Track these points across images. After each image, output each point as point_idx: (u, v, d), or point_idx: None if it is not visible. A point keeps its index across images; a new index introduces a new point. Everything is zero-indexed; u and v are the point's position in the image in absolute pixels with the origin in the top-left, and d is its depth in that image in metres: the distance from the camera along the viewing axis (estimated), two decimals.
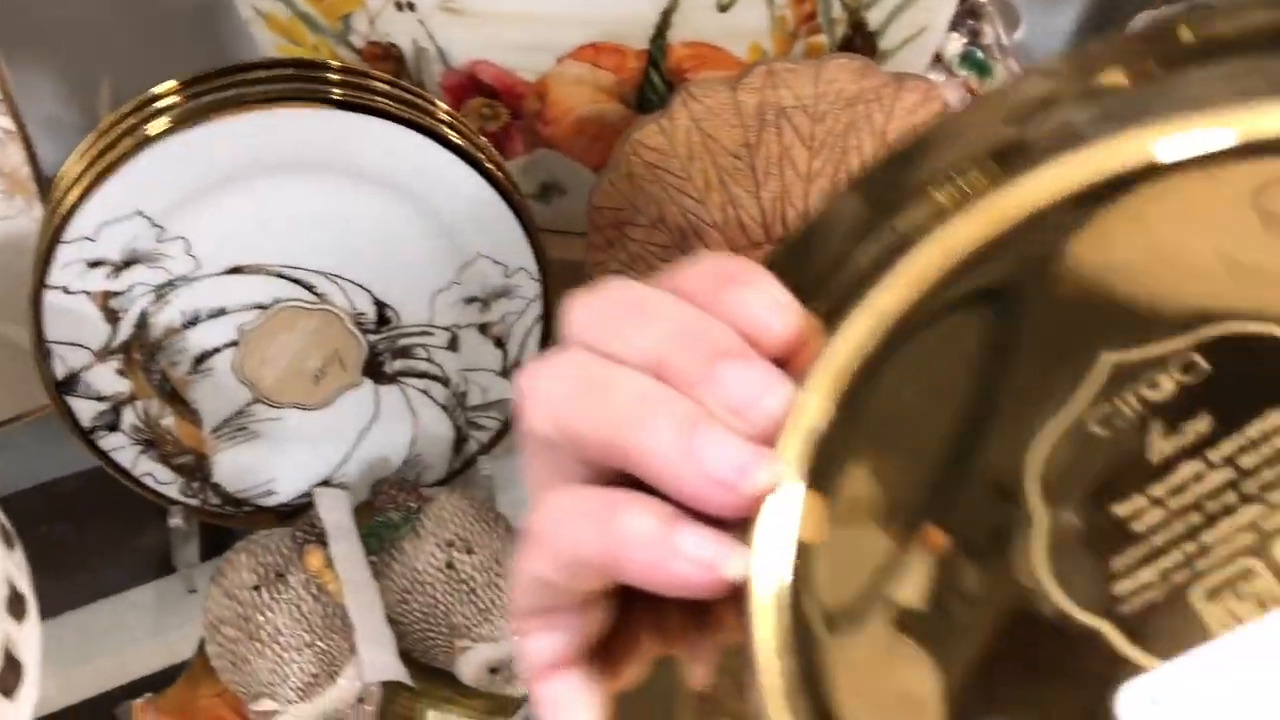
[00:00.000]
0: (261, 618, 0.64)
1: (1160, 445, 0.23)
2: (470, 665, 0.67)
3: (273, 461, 0.71)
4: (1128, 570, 0.22)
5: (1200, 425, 0.23)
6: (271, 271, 0.66)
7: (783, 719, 0.23)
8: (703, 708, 0.26)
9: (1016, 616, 0.23)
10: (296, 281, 0.67)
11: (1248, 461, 0.22)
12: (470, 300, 0.69)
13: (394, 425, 0.73)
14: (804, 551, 0.25)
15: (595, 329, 0.26)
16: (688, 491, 0.24)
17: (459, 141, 0.63)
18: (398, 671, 0.65)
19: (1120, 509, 0.23)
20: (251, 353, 0.68)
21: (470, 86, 0.70)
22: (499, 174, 0.64)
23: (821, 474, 0.25)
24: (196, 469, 0.70)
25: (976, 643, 0.23)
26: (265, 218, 0.64)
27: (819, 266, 0.28)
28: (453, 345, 0.71)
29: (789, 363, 0.27)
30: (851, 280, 0.27)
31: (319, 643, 0.64)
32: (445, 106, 0.66)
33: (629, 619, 0.28)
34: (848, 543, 0.25)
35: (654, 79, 0.69)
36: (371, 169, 0.63)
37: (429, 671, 0.68)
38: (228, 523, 0.72)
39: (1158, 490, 0.23)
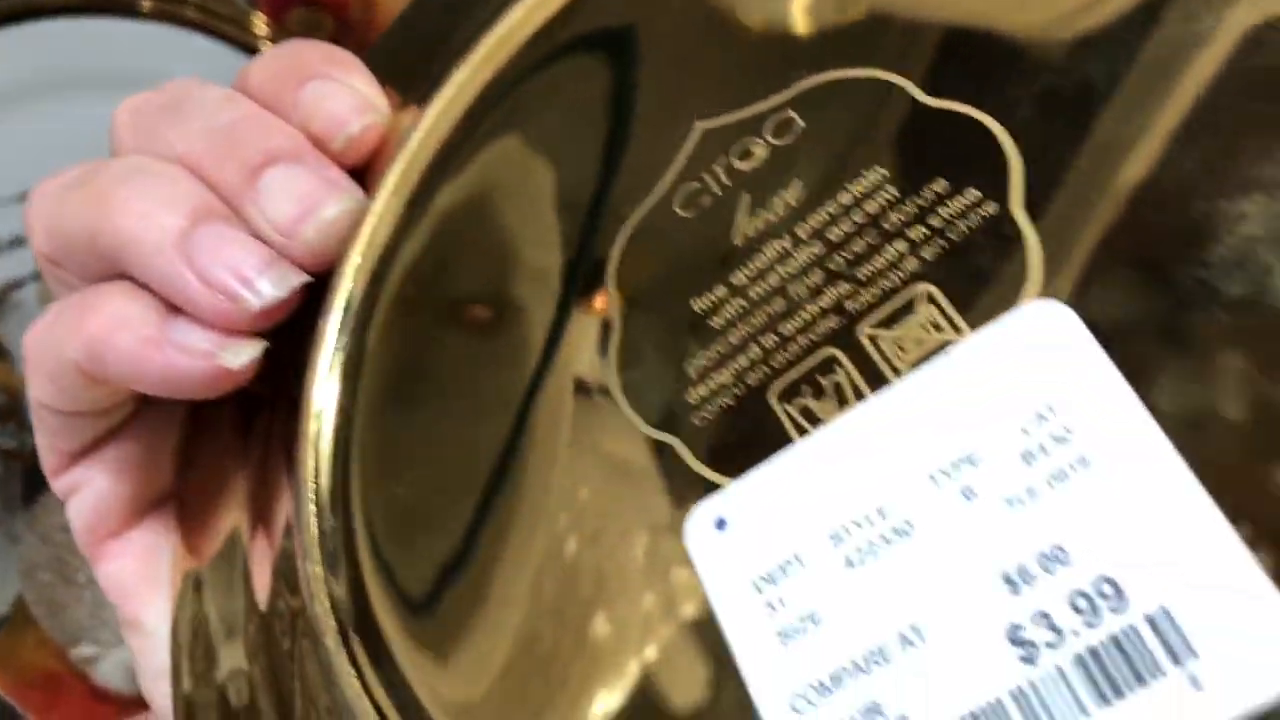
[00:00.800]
0: (77, 560, 0.60)
1: (746, 224, 0.19)
2: None
3: None
4: (702, 374, 0.18)
5: (790, 196, 0.19)
6: None
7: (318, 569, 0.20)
8: (266, 585, 0.22)
9: (595, 436, 0.19)
10: None
11: (837, 232, 0.18)
12: None
13: None
14: (354, 373, 0.21)
15: (131, 134, 0.22)
16: (180, 292, 0.21)
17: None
18: None
19: (699, 303, 0.19)
20: None
21: None
22: None
23: (387, 283, 0.21)
24: (11, 410, 0.65)
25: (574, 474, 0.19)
26: (64, 138, 0.59)
27: (426, 43, 0.24)
28: None
29: (376, 161, 0.23)
30: (451, 57, 0.23)
31: None
32: (263, 19, 0.61)
33: (207, 485, 0.24)
34: (417, 359, 0.21)
35: None
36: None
37: None
38: None
39: (739, 277, 0.19)
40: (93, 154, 0.63)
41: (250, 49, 0.59)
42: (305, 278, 0.22)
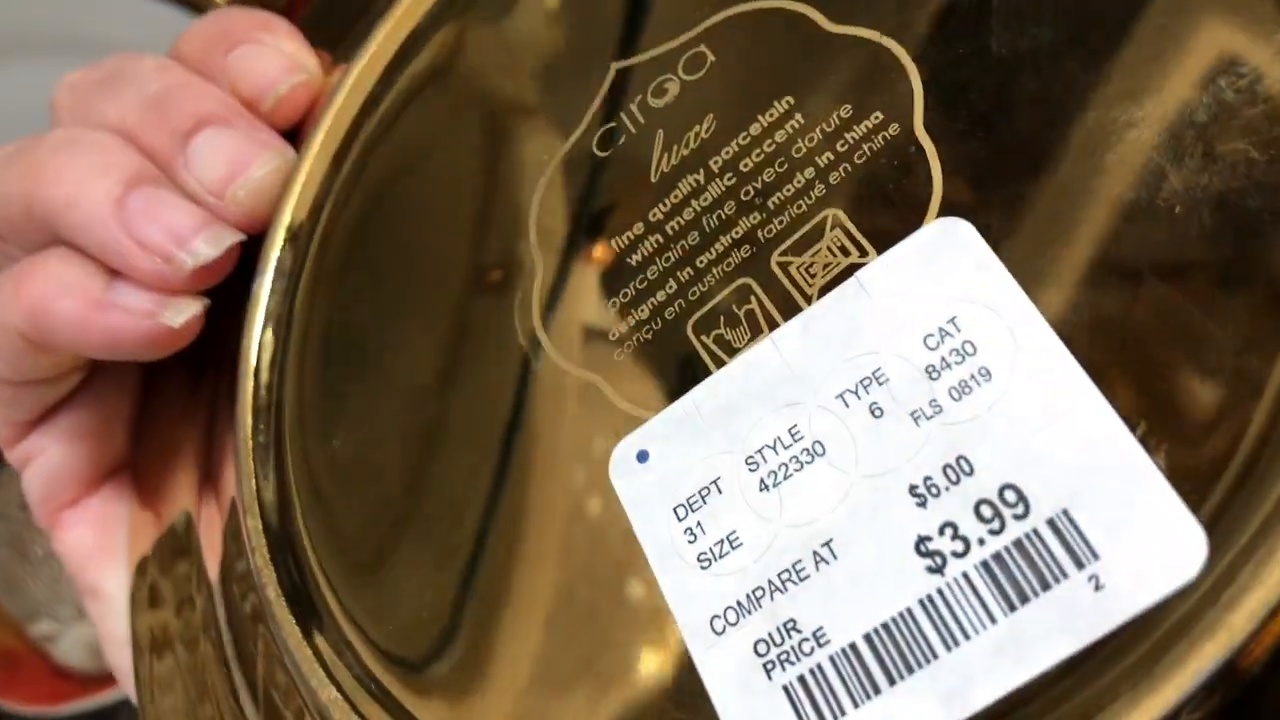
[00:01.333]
0: (34, 534, 0.58)
1: (662, 160, 0.19)
2: None
3: None
4: (623, 311, 0.19)
5: (703, 130, 0.19)
6: None
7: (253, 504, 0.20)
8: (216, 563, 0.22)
9: (521, 379, 0.19)
10: None
11: (748, 163, 0.18)
12: None
13: None
14: (287, 332, 0.21)
15: (68, 107, 0.23)
16: (117, 256, 0.21)
17: None
18: None
19: (618, 241, 0.19)
20: None
21: None
22: None
23: (315, 240, 0.22)
24: None
25: (493, 415, 0.20)
26: (20, 104, 0.58)
27: (355, 3, 0.24)
28: None
29: (309, 120, 0.23)
30: (376, 15, 0.23)
31: None
32: None
33: (161, 450, 0.24)
34: (347, 314, 0.21)
35: None
36: (128, 46, 0.57)
37: None
38: None
39: (656, 214, 0.19)
40: (37, 121, 0.61)
41: (202, 11, 0.57)
42: (239, 236, 0.22)
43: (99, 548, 0.24)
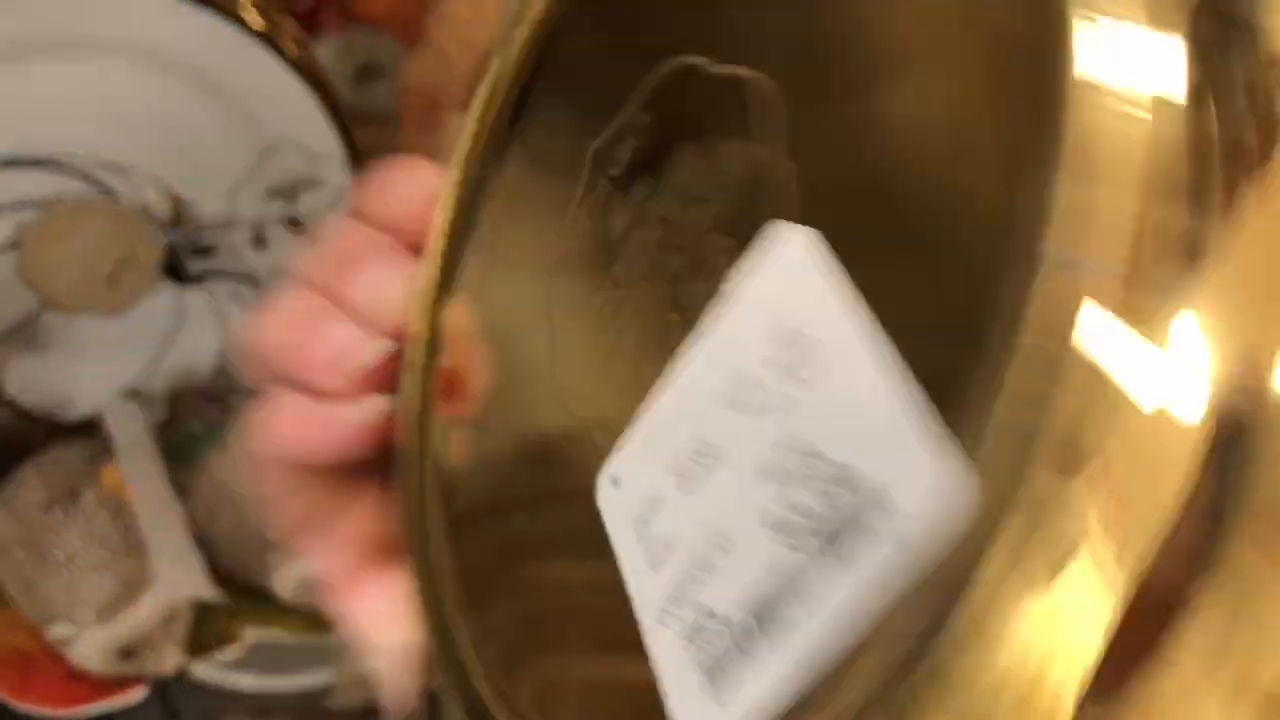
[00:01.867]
0: (53, 538, 0.61)
1: (619, 221, 0.23)
2: (286, 581, 0.64)
3: (69, 373, 0.66)
4: (603, 363, 0.22)
5: (644, 187, 0.22)
6: (48, 163, 0.60)
7: None
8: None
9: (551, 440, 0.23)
10: (78, 173, 0.60)
11: (669, 209, 0.22)
12: (275, 192, 0.65)
13: (202, 331, 0.68)
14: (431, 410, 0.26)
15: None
16: (309, 375, 0.26)
17: (255, 19, 0.58)
18: (201, 589, 0.61)
19: (597, 298, 0.23)
20: (35, 255, 0.61)
21: None
22: (299, 54, 0.59)
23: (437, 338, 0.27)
24: None
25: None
26: (37, 102, 0.58)
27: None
28: (259, 241, 0.67)
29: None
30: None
31: (118, 563, 0.61)
32: None
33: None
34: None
35: None
36: (158, 48, 0.58)
37: (248, 588, 0.65)
38: (24, 440, 0.66)
39: (619, 270, 0.23)
40: (68, 118, 0.60)
41: (225, 10, 0.57)
42: (392, 345, 0.27)
43: (382, 615, 0.29)
